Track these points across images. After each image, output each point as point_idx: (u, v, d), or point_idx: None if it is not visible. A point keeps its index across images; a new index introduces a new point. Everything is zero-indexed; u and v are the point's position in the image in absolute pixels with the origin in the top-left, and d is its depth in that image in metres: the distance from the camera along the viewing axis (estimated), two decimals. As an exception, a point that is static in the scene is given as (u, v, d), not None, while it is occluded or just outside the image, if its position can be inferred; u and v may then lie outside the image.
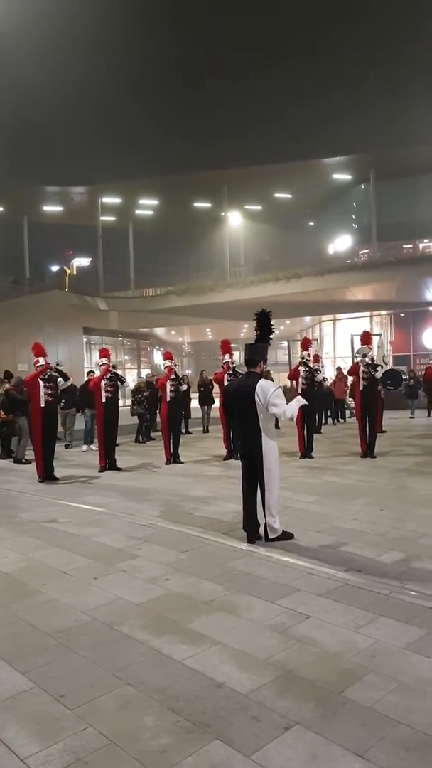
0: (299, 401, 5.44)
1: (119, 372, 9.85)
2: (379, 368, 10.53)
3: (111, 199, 34.71)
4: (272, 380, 6.38)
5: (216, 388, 12.55)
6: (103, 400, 9.32)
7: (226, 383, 10.17)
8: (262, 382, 5.15)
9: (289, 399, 5.40)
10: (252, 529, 5.21)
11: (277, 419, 5.41)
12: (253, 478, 5.21)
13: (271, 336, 5.66)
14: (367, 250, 31.96)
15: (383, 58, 49.77)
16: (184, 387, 10.63)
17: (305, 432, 10.18)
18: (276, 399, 5.04)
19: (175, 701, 2.73)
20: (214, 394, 14.62)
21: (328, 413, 16.55)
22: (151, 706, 2.70)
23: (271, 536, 5.17)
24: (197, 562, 4.71)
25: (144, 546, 5.18)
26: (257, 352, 5.41)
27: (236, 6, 53.33)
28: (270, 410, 5.06)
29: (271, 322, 5.65)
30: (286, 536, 5.21)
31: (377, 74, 49.94)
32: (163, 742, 2.44)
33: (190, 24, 55.45)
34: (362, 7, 50.39)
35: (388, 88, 48.45)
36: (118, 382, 9.58)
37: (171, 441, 10.00)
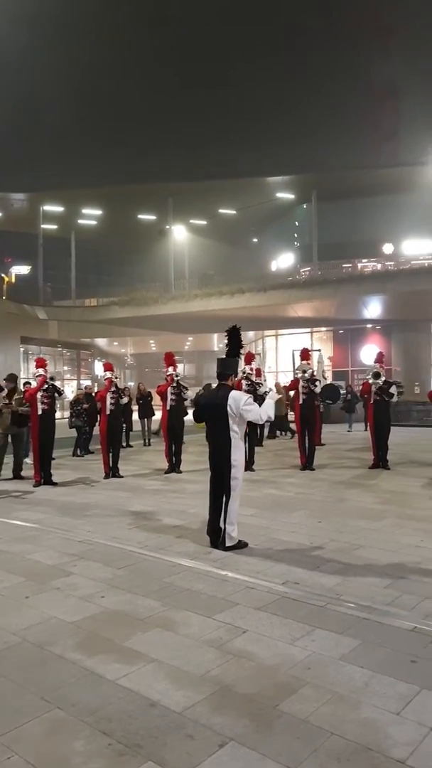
0: (273, 397, 5.75)
1: (57, 383, 9.61)
2: (318, 383, 10.74)
3: (53, 208, 34.17)
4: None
5: (157, 400, 12.46)
6: (39, 412, 9.06)
7: (169, 396, 10.15)
8: (234, 393, 5.43)
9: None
10: (216, 536, 5.38)
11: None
12: (220, 487, 5.39)
13: (242, 350, 6.05)
14: (308, 268, 32.73)
15: (324, 85, 51.46)
16: (125, 399, 10.49)
17: (247, 445, 10.22)
18: (248, 405, 5.31)
19: (107, 723, 2.65)
20: (154, 407, 14.51)
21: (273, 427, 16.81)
22: (81, 730, 2.60)
23: (228, 544, 5.29)
24: (134, 578, 4.62)
25: (79, 563, 5.04)
26: (229, 366, 5.72)
27: (186, 22, 54.04)
28: (246, 416, 5.30)
29: (241, 338, 5.97)
30: (241, 545, 5.33)
31: (320, 100, 51.55)
32: (93, 766, 2.35)
33: (139, 36, 55.75)
34: (306, 33, 52.06)
35: (330, 114, 50.10)
36: (56, 394, 9.35)
37: (110, 454, 9.83)
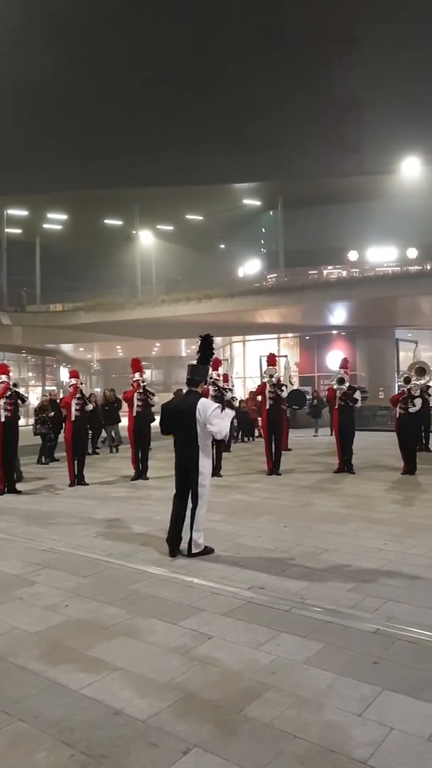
0: (229, 414, 5.70)
1: (21, 390, 9.47)
2: (284, 388, 10.84)
3: (17, 212, 33.70)
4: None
5: (124, 407, 12.38)
6: (2, 419, 8.91)
7: (136, 402, 10.10)
8: (203, 401, 5.39)
9: None
10: (176, 543, 5.34)
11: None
12: (186, 493, 5.35)
13: (213, 358, 6.04)
14: (275, 275, 32.99)
15: (290, 94, 52.16)
16: (90, 406, 10.39)
17: (215, 451, 10.24)
18: (214, 419, 5.26)
19: (70, 734, 2.62)
20: (120, 413, 14.40)
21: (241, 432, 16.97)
22: (44, 742, 2.57)
23: (194, 551, 5.26)
24: (99, 586, 4.58)
25: (43, 572, 4.97)
26: (199, 373, 5.68)
27: (154, 26, 54.11)
28: (208, 428, 5.25)
29: (213, 346, 5.94)
30: (207, 551, 5.31)
31: (286, 108, 52.20)
32: (55, 778, 2.32)
33: (105, 39, 55.52)
34: (274, 42, 52.71)
35: (296, 123, 50.76)
36: (19, 401, 9.21)
37: (75, 462, 9.72)
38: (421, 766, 2.35)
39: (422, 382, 12.60)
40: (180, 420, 5.44)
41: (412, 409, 9.78)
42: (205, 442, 5.35)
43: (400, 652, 3.34)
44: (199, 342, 5.90)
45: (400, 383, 10.34)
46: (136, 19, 52.99)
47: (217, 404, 5.64)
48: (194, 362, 5.82)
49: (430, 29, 49.88)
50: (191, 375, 5.62)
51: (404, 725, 2.62)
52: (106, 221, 34.81)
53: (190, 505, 5.35)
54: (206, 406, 5.31)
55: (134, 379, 10.29)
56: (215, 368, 11.50)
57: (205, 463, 5.34)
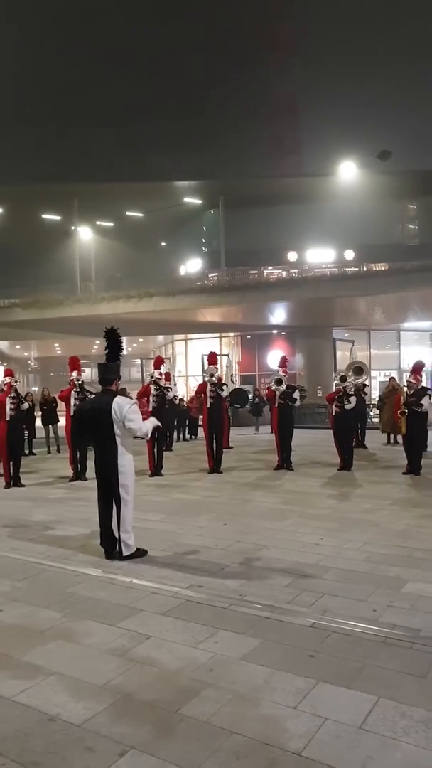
0: (153, 422, 5.60)
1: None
2: (225, 387, 10.91)
3: None
4: (130, 398, 6.36)
5: (62, 406, 12.13)
6: (7, 417, 8.55)
7: (73, 401, 9.90)
8: (118, 399, 5.27)
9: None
10: (110, 545, 5.24)
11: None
12: (109, 494, 5.23)
13: (122, 353, 5.75)
14: (216, 274, 33.17)
15: (230, 94, 52.44)
16: (26, 405, 10.12)
17: (155, 450, 10.20)
18: (132, 414, 5.17)
19: (1, 743, 2.54)
20: (59, 413, 14.10)
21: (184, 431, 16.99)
22: (-26, 752, 2.49)
23: (125, 553, 5.17)
24: (35, 589, 4.47)
25: (-24, 576, 4.80)
26: (111, 371, 5.51)
27: (93, 20, 53.10)
28: (126, 425, 5.14)
29: (121, 339, 5.73)
30: (140, 553, 5.23)
31: (226, 108, 52.44)
32: (-15, 789, 2.25)
33: (41, 31, 54.07)
34: (215, 40, 52.82)
35: (236, 123, 51.09)
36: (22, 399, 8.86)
37: (11, 463, 9.45)
38: (353, 753, 2.42)
39: (360, 381, 12.99)
40: (97, 420, 5.30)
41: (347, 406, 10.05)
42: (124, 441, 5.22)
43: (334, 644, 3.43)
44: (105, 337, 5.66)
45: (336, 382, 10.60)
46: (79, 12, 51.92)
47: (133, 401, 5.51)
48: (103, 362, 5.61)
49: (368, 34, 51.34)
50: (103, 374, 5.46)
51: (337, 715, 2.69)
52: (44, 216, 34.00)
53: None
54: (121, 404, 5.19)
55: (71, 377, 10.11)
56: (157, 366, 11.47)
57: (125, 462, 5.21)
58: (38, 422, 14.23)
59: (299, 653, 3.32)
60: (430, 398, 9.34)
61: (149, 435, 5.59)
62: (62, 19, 52.66)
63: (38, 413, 14.21)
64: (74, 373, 10.11)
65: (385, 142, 27.21)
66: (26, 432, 12.34)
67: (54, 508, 7.69)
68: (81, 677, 3.10)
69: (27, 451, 12.99)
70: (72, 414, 9.90)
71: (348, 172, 26.31)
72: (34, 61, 53.77)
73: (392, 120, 44.27)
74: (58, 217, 34.35)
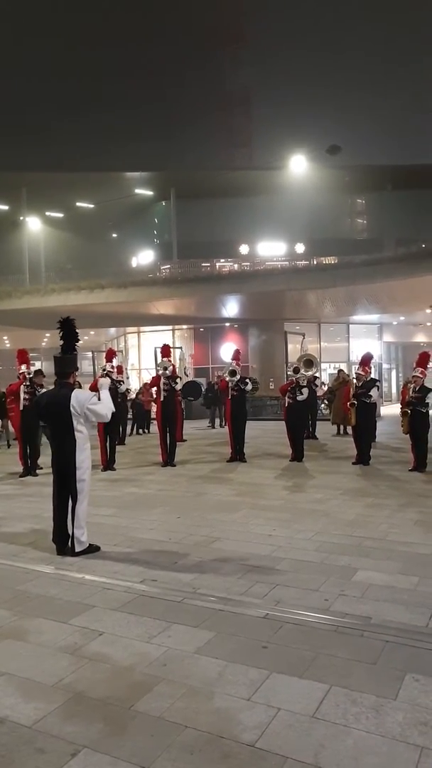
0: (102, 385, 5.52)
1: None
2: (179, 380, 10.87)
3: None
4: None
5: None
6: (21, 407, 8.20)
7: (22, 395, 9.67)
8: (77, 392, 5.20)
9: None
10: (62, 542, 5.16)
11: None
12: (65, 489, 5.15)
13: (78, 344, 5.64)
14: (168, 266, 32.93)
15: (182, 85, 52.16)
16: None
17: (108, 444, 10.08)
18: (93, 405, 5.11)
19: None
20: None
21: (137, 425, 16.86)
22: None
23: (78, 549, 5.09)
24: (-17, 589, 4.34)
25: None
26: (67, 364, 5.41)
27: (45, 10, 51.71)
28: (90, 417, 5.11)
29: (76, 330, 5.60)
30: (92, 549, 5.16)
31: (177, 99, 52.14)
32: None
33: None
34: (167, 30, 52.30)
35: (187, 115, 50.88)
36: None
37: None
38: (305, 742, 2.45)
39: (310, 373, 13.18)
40: (55, 414, 5.20)
41: (299, 398, 10.18)
42: (82, 436, 5.14)
43: (286, 634, 3.47)
44: (60, 328, 5.52)
45: (289, 373, 10.73)
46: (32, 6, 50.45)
47: (93, 393, 5.40)
48: (59, 354, 5.48)
49: (320, 29, 51.87)
50: (60, 367, 5.35)
51: (290, 705, 2.72)
52: (-9, 205, 32.97)
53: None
54: (81, 397, 5.13)
55: (21, 371, 9.87)
56: (109, 359, 11.33)
57: (82, 458, 5.13)
58: None
59: (253, 645, 3.34)
60: (378, 390, 9.56)
61: (109, 417, 5.45)
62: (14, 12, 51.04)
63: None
64: (23, 367, 9.86)
65: (334, 137, 27.61)
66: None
67: (3, 504, 7.49)
68: (31, 677, 3.04)
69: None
70: (22, 408, 9.69)
71: (298, 166, 26.49)
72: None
73: (342, 116, 44.96)
74: (5, 207, 33.37)
